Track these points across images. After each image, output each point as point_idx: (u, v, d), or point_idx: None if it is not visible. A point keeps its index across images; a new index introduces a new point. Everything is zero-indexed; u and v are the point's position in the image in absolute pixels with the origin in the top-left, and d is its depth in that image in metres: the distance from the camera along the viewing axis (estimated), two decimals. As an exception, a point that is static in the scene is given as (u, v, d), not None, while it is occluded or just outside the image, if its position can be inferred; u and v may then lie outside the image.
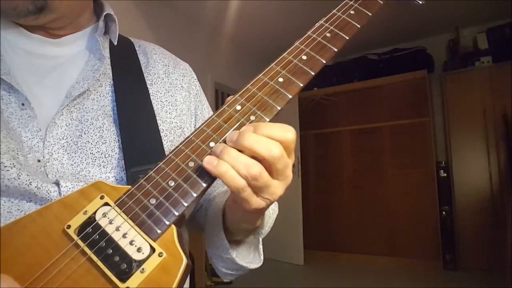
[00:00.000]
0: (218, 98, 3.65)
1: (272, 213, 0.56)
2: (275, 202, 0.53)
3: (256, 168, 0.35)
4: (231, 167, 0.35)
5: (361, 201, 3.72)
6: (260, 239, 0.54)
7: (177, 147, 0.39)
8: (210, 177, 0.38)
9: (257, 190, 0.36)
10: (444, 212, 3.26)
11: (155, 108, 0.55)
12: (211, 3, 3.06)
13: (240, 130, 0.37)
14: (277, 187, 0.37)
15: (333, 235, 3.80)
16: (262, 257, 0.54)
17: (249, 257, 0.52)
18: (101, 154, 0.49)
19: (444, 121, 3.51)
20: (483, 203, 3.18)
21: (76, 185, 0.45)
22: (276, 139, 0.36)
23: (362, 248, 3.62)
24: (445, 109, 3.47)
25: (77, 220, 0.36)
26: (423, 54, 3.66)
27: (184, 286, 0.54)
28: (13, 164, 0.42)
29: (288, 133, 0.37)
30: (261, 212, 0.40)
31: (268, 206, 0.39)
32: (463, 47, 3.50)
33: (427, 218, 3.33)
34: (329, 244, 3.80)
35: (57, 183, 0.45)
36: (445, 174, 3.34)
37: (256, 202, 0.37)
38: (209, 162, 0.36)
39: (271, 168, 0.36)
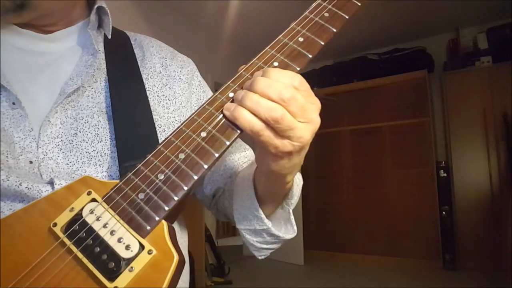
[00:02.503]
0: (217, 98, 3.64)
1: (299, 182, 0.53)
2: (299, 173, 0.51)
3: (278, 111, 0.35)
4: (247, 111, 0.36)
5: (361, 201, 3.70)
6: (291, 211, 0.52)
7: (167, 138, 0.38)
8: (201, 168, 0.36)
9: (281, 133, 0.36)
10: (444, 212, 3.24)
11: (151, 103, 0.54)
12: (211, 3, 3.05)
13: (253, 76, 0.39)
14: (303, 130, 0.37)
15: (333, 235, 3.79)
16: (295, 228, 0.53)
17: (282, 230, 0.51)
18: (97, 153, 0.48)
19: (444, 121, 3.50)
20: (483, 203, 3.17)
21: None
22: (284, 83, 0.36)
23: (362, 248, 3.60)
24: (445, 109, 3.46)
25: (64, 218, 0.35)
26: (423, 54, 3.65)
27: (184, 286, 0.52)
28: (1, 167, 0.41)
29: (295, 79, 0.37)
30: (290, 158, 0.39)
31: (296, 152, 0.38)
32: (463, 47, 3.49)
33: (427, 218, 3.32)
34: (329, 244, 3.79)
35: (51, 182, 0.44)
36: (445, 174, 3.33)
37: (282, 144, 0.37)
38: (227, 108, 0.38)
39: (287, 110, 0.36)
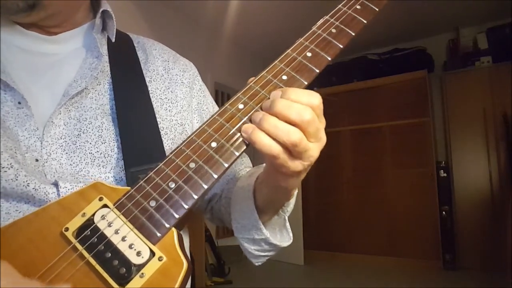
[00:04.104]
0: (218, 98, 3.65)
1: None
2: None
3: (296, 135, 0.36)
4: (264, 135, 0.36)
5: (361, 201, 3.71)
6: (286, 218, 0.53)
7: (178, 147, 0.38)
8: (210, 178, 0.37)
9: (296, 154, 0.37)
10: (444, 212, 3.25)
11: (154, 106, 0.54)
12: (211, 3, 3.05)
13: (271, 96, 0.39)
14: (313, 150, 0.38)
15: (333, 235, 3.79)
16: (291, 235, 0.53)
17: (277, 237, 0.52)
18: (100, 154, 0.48)
19: (444, 121, 3.50)
20: (483, 203, 3.17)
21: (75, 185, 0.44)
22: (303, 103, 0.37)
23: (362, 248, 3.61)
24: (445, 109, 3.46)
25: (75, 223, 0.35)
26: (423, 54, 3.65)
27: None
28: (10, 164, 0.41)
29: (314, 98, 0.38)
30: (299, 176, 0.40)
31: (305, 170, 0.39)
32: (463, 47, 3.50)
33: (427, 218, 3.33)
34: (329, 244, 3.80)
35: (55, 184, 0.44)
36: (445, 174, 3.33)
37: (293, 165, 0.38)
38: (245, 130, 0.38)
39: (304, 132, 0.37)
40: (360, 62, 3.93)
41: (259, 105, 0.40)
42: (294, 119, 0.36)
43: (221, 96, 3.71)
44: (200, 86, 0.66)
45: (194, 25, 3.36)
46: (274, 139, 0.36)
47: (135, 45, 0.62)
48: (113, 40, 0.57)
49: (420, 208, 3.37)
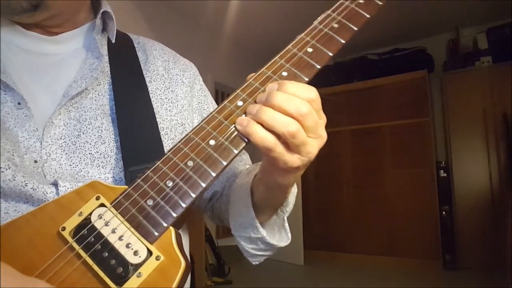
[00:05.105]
0: (218, 98, 3.65)
1: (294, 191, 0.54)
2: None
3: (294, 126, 0.36)
4: (260, 127, 0.36)
5: (361, 201, 3.71)
6: (285, 218, 0.52)
7: (176, 145, 0.38)
8: (209, 176, 0.36)
9: (294, 147, 0.37)
10: (444, 212, 3.25)
11: (154, 106, 0.54)
12: (211, 3, 3.05)
13: (267, 89, 0.38)
14: (312, 146, 0.37)
15: (333, 235, 3.79)
16: (289, 235, 0.53)
17: (276, 237, 0.51)
18: (100, 154, 0.48)
19: (444, 121, 3.50)
20: (483, 203, 3.17)
21: (75, 185, 0.44)
22: (301, 97, 0.37)
23: (362, 248, 3.61)
24: (445, 109, 3.46)
25: (72, 222, 0.35)
26: (423, 54, 3.65)
27: (185, 286, 0.53)
28: (8, 165, 0.41)
29: (312, 92, 0.38)
30: (296, 172, 0.40)
31: (303, 166, 0.39)
32: (463, 47, 3.49)
33: (427, 218, 3.33)
34: (329, 244, 3.79)
35: (55, 184, 0.44)
36: (445, 174, 3.33)
37: (291, 159, 0.37)
38: (240, 122, 0.37)
39: (302, 125, 0.36)
40: (360, 62, 3.93)
41: None
42: (291, 112, 0.35)
43: (221, 96, 3.71)
44: (201, 86, 0.66)
45: (194, 25, 3.36)
46: (271, 131, 0.36)
47: (135, 45, 0.62)
48: (113, 40, 0.57)
49: (420, 208, 3.37)
